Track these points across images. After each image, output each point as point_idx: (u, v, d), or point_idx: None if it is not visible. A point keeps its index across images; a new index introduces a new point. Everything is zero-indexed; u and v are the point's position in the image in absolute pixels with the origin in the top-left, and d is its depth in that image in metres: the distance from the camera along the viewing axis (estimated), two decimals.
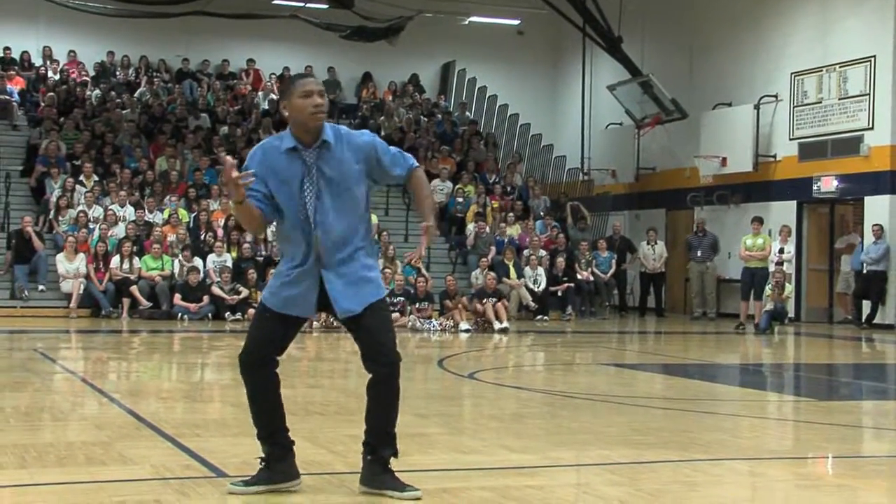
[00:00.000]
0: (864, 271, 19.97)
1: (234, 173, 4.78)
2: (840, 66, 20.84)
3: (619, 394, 9.77)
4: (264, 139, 5.23)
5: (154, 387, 10.01)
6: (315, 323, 16.55)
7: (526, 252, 21.53)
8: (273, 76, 27.69)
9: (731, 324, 19.44)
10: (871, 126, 20.18)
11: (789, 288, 19.27)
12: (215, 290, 18.89)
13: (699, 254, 21.92)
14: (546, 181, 26.93)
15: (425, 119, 27.33)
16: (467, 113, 28.60)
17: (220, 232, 20.55)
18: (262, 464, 5.07)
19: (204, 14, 23.85)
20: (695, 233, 22.38)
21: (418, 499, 4.91)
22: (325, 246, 4.94)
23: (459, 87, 29.45)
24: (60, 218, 20.43)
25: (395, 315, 17.00)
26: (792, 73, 21.92)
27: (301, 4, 25.49)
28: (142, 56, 27.26)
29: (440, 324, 17.91)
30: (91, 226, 20.11)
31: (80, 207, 20.47)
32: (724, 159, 22.79)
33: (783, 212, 21.71)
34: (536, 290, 20.74)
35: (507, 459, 6.13)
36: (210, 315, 18.69)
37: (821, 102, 21.27)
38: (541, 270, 21.04)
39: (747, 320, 18.89)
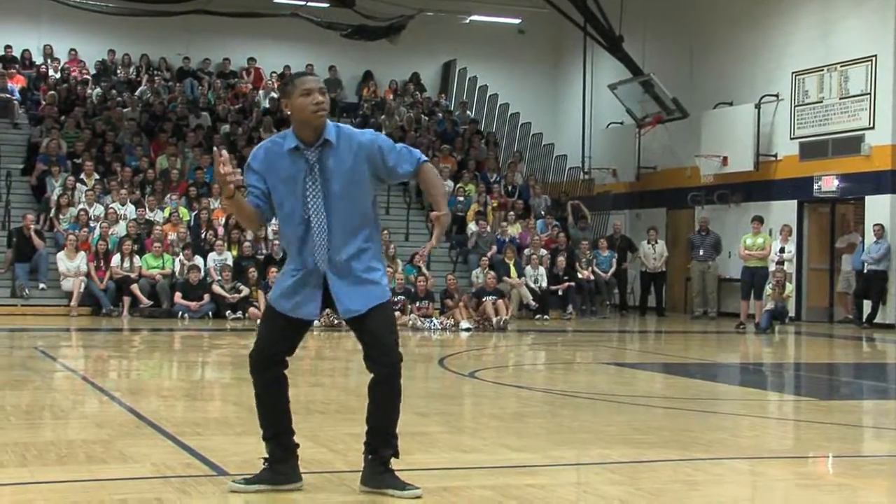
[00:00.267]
0: (865, 271, 19.97)
1: (224, 168, 4.79)
2: (841, 66, 20.83)
3: (620, 393, 9.77)
4: (266, 138, 5.22)
5: (155, 385, 10.01)
6: (315, 322, 16.53)
7: (527, 251, 21.53)
8: (274, 75, 27.70)
9: (732, 323, 19.44)
10: (871, 125, 20.18)
11: (790, 287, 19.27)
12: (216, 288, 18.90)
13: (701, 253, 21.92)
14: (547, 180, 26.94)
15: (426, 118, 27.33)
16: (468, 112, 28.60)
17: (220, 230, 20.55)
18: (265, 464, 5.07)
19: (205, 13, 23.86)
20: (697, 232, 22.38)
21: (419, 497, 4.91)
22: (327, 245, 4.93)
23: (460, 85, 29.45)
24: (61, 216, 20.44)
25: (396, 314, 16.98)
26: (793, 73, 21.92)
27: (302, 3, 25.49)
28: (143, 54, 27.27)
29: (441, 323, 17.92)
30: (92, 224, 20.11)
31: (81, 206, 20.47)
32: (725, 158, 22.80)
33: (784, 211, 21.71)
34: (537, 289, 20.73)
35: (507, 458, 6.13)
36: (211, 313, 18.69)
37: (822, 102, 21.27)
38: (542, 270, 21.04)
39: (748, 320, 18.89)
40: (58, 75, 26.01)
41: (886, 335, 18.50)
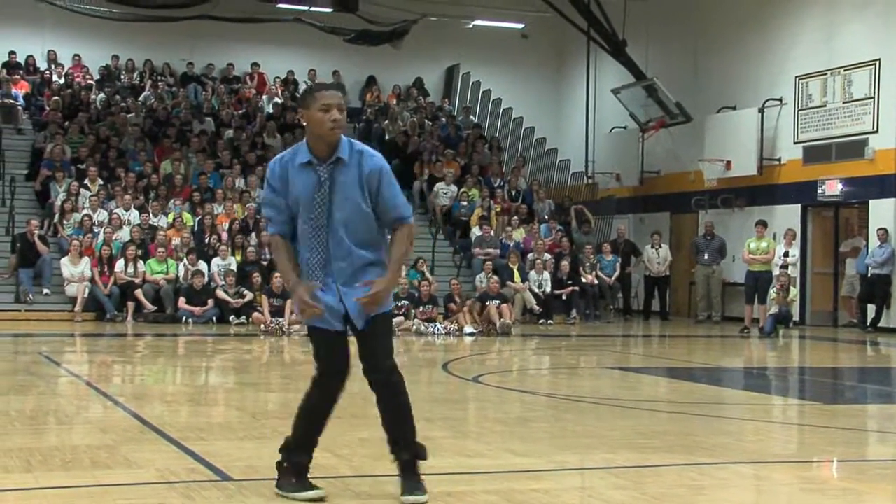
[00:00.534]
0: (869, 275, 19.95)
1: (307, 300, 4.90)
2: (845, 70, 20.82)
3: (624, 397, 9.77)
4: (281, 153, 5.22)
5: (159, 390, 10.02)
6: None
7: (530, 256, 21.52)
8: (277, 80, 27.76)
9: (736, 327, 19.43)
10: (875, 129, 20.17)
11: (794, 291, 19.26)
12: (220, 293, 18.90)
13: (706, 257, 21.91)
14: (550, 185, 26.94)
15: (429, 123, 27.33)
16: (471, 116, 28.60)
17: (224, 235, 20.56)
18: (293, 471, 5.08)
19: (208, 18, 23.91)
20: (703, 236, 22.36)
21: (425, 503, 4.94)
22: (335, 260, 4.97)
23: (464, 90, 29.46)
24: (65, 222, 20.46)
25: (400, 319, 17.01)
26: (796, 77, 21.90)
27: (305, 8, 25.50)
28: (146, 60, 27.31)
29: (444, 327, 17.91)
30: (96, 229, 20.13)
31: (85, 211, 20.50)
32: (729, 163, 22.78)
33: (788, 215, 21.69)
34: (541, 293, 20.71)
35: (511, 463, 6.13)
36: (214, 318, 18.69)
37: (825, 106, 21.26)
38: (546, 274, 21.03)
39: (752, 324, 18.87)
40: (62, 81, 26.05)
41: (890, 339, 18.47)
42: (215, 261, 19.75)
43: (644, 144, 25.62)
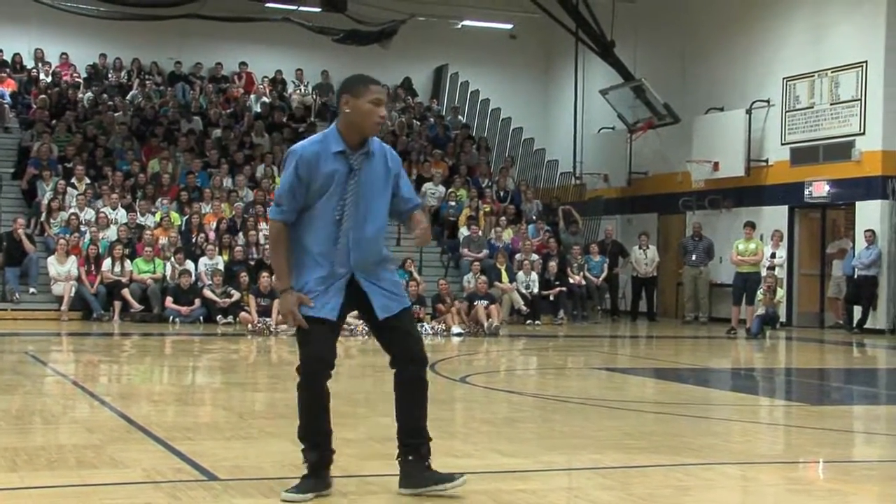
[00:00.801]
0: (856, 276, 20.01)
1: (295, 311, 5.00)
2: (832, 72, 20.89)
3: (611, 398, 9.78)
4: (306, 140, 5.16)
5: (145, 390, 9.99)
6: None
7: (518, 256, 21.53)
8: (265, 79, 27.71)
9: (723, 328, 19.47)
10: (862, 131, 20.23)
11: (780, 292, 19.31)
12: (207, 293, 18.85)
13: (694, 258, 21.96)
14: (538, 185, 26.96)
15: (418, 123, 27.33)
16: (460, 117, 28.61)
17: (211, 235, 20.52)
18: (308, 470, 5.06)
19: (197, 17, 23.83)
20: (691, 237, 22.41)
21: (466, 481, 5.07)
22: (356, 250, 5.03)
23: (452, 90, 29.46)
24: (52, 220, 20.39)
25: None
26: (784, 78, 21.96)
27: (294, 8, 25.45)
28: (134, 58, 27.23)
29: (432, 327, 17.90)
30: (83, 228, 20.07)
31: (72, 210, 20.43)
32: (717, 164, 22.83)
33: (775, 216, 21.75)
34: (528, 294, 20.72)
35: (498, 463, 6.13)
36: (201, 318, 18.65)
37: (813, 107, 21.32)
38: (534, 275, 21.04)
39: (739, 325, 18.91)
40: (49, 79, 25.96)
41: (877, 340, 18.53)
42: (202, 260, 19.71)
43: (632, 145, 25.65)
